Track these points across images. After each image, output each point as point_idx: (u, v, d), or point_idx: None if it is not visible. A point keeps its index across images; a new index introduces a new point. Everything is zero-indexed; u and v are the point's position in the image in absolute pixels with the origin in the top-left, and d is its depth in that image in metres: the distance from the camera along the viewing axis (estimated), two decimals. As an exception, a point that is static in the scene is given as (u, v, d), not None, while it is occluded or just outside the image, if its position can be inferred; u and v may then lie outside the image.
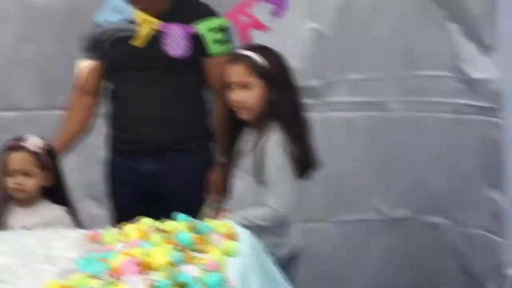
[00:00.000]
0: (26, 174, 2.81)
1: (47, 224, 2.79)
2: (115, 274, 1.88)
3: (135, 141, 3.08)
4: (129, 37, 2.88)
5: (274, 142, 2.67)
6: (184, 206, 2.84)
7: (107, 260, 2.00)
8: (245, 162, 2.75)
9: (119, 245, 2.14)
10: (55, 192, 2.91)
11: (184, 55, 2.79)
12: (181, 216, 2.33)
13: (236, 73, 2.70)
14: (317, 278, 3.60)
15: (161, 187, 3.10)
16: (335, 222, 3.80)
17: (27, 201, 2.85)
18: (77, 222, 2.89)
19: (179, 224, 2.24)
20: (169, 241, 2.12)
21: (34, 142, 2.83)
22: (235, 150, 2.80)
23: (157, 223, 2.28)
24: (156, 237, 2.15)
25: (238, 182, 2.78)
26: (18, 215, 2.84)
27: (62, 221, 2.86)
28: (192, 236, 2.16)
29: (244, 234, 2.37)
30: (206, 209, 2.94)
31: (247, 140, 2.77)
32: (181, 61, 2.89)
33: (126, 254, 2.01)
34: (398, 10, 3.61)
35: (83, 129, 3.21)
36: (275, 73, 2.70)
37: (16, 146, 2.84)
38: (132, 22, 2.89)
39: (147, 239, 2.16)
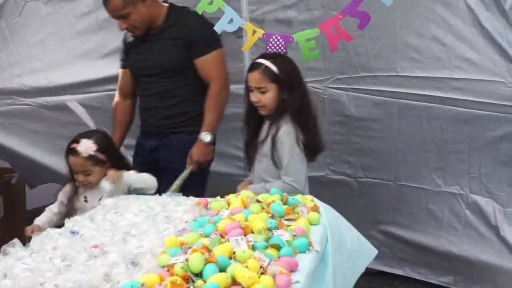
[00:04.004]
0: (86, 174, 2.69)
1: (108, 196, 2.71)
2: (222, 235, 1.88)
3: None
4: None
5: (286, 132, 2.65)
6: (173, 177, 2.92)
7: (215, 223, 2.01)
8: (263, 148, 2.72)
9: (225, 212, 2.14)
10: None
11: None
12: (274, 190, 2.32)
13: (254, 79, 2.68)
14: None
15: (159, 159, 3.11)
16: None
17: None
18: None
19: (273, 197, 2.23)
20: (265, 211, 2.11)
21: (85, 146, 2.66)
22: (257, 138, 2.77)
23: (256, 196, 2.28)
24: (254, 207, 2.14)
25: (258, 165, 2.76)
26: (88, 194, 2.74)
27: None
28: (283, 207, 2.14)
29: (324, 207, 2.34)
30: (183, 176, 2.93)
31: (265, 130, 2.74)
32: (174, 66, 2.98)
33: (231, 219, 2.01)
34: None
35: None
36: (285, 77, 2.67)
37: (71, 150, 2.69)
38: None
39: (247, 208, 2.16)
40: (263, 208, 2.14)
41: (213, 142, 3.03)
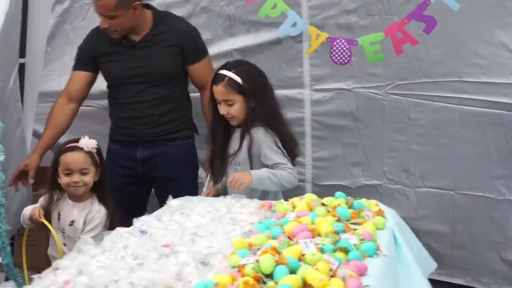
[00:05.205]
0: (83, 172, 2.60)
1: (87, 221, 2.61)
2: (290, 237, 1.89)
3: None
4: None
5: (260, 137, 2.66)
6: (171, 185, 2.88)
7: (282, 226, 2.01)
8: (239, 156, 2.72)
9: (291, 214, 2.15)
10: (99, 186, 2.67)
11: (347, 63, 2.78)
12: (339, 194, 2.32)
13: (220, 92, 2.68)
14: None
15: (153, 169, 3.07)
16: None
17: (79, 196, 2.64)
18: (112, 219, 2.63)
19: (339, 201, 2.23)
20: (331, 214, 2.11)
21: (87, 142, 2.63)
22: (228, 148, 2.77)
23: (320, 199, 2.28)
24: (320, 210, 2.15)
25: (233, 173, 2.72)
26: (71, 208, 2.64)
27: (102, 219, 2.61)
28: (349, 211, 2.14)
29: (390, 212, 2.33)
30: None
31: (236, 139, 2.74)
32: (168, 73, 2.98)
33: (298, 221, 2.02)
34: None
35: None
36: (250, 86, 2.66)
37: (72, 147, 2.62)
38: None
39: (313, 211, 2.16)
40: (328, 211, 2.14)
41: None
